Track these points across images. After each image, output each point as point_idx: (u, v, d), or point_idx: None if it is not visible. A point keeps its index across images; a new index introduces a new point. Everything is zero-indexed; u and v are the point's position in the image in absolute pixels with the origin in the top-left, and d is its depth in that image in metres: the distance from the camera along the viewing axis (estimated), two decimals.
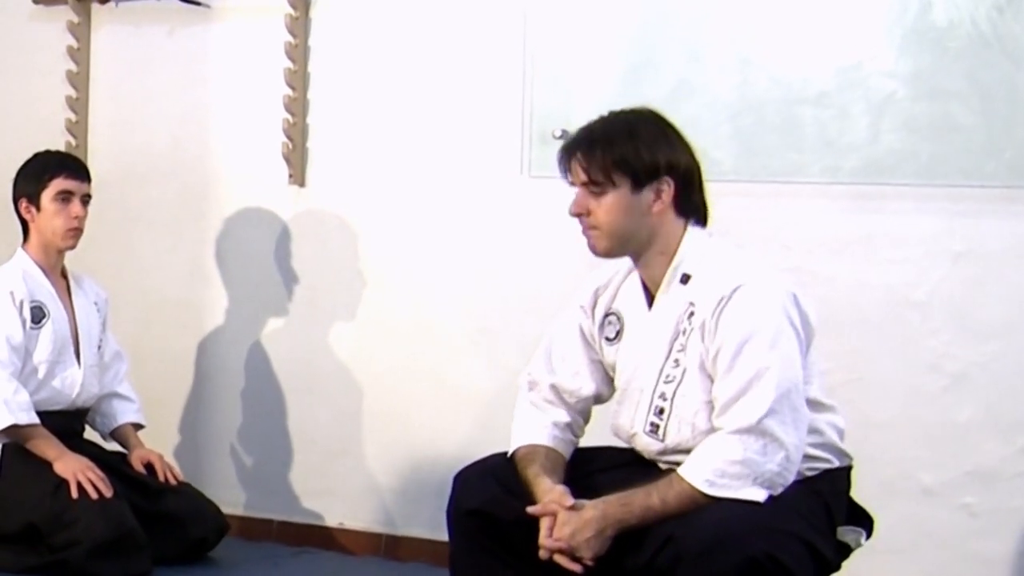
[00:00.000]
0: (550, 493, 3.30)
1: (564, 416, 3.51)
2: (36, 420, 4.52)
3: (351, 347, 5.19)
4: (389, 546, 5.10)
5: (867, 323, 4.30)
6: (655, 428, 3.33)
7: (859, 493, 3.39)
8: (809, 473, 3.26)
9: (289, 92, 5.15)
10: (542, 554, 3.23)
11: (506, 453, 3.50)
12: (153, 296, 5.46)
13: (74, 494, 4.39)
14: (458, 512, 3.45)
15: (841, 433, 3.38)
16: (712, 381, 3.23)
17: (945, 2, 4.32)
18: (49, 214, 4.65)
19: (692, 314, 3.27)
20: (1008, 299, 4.26)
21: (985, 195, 4.28)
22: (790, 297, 3.25)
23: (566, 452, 3.50)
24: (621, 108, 3.41)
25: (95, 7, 5.44)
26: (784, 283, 3.29)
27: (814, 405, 3.26)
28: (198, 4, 5.27)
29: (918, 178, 4.30)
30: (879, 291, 4.28)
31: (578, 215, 3.34)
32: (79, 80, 5.49)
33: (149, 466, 4.71)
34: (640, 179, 3.28)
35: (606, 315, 3.49)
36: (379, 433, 5.16)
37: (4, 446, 4.54)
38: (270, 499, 5.31)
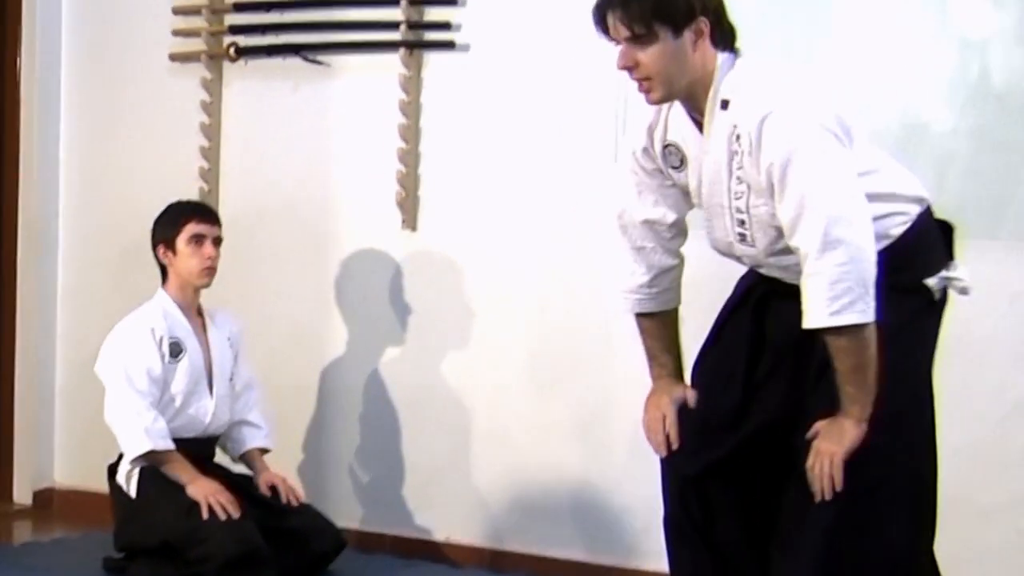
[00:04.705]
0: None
1: (662, 260, 3.60)
2: (172, 446, 4.67)
3: (459, 374, 5.33)
4: (494, 559, 5.23)
5: None
6: (743, 237, 3.43)
7: None
8: (896, 231, 3.38)
9: (402, 145, 5.29)
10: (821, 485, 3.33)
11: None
12: (280, 328, 5.58)
13: (204, 515, 4.55)
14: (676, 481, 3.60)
15: (907, 182, 3.46)
16: (771, 195, 3.30)
17: (1002, 67, 4.50)
18: (184, 256, 4.80)
19: (738, 136, 3.31)
20: None
21: None
22: (816, 110, 3.28)
23: (668, 303, 3.66)
24: None
25: (226, 64, 5.61)
26: (808, 100, 3.32)
27: (871, 197, 3.30)
28: (319, 63, 5.43)
29: (981, 229, 4.33)
30: (946, 325, 4.41)
31: (626, 68, 3.34)
32: (211, 131, 5.64)
33: (274, 488, 4.85)
34: (679, 25, 3.29)
35: (665, 147, 3.50)
36: (485, 454, 5.30)
37: (142, 470, 4.69)
38: (384, 514, 5.45)
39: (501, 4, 5.23)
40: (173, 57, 5.73)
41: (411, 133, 5.33)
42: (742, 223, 3.42)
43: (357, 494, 5.56)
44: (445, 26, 5.27)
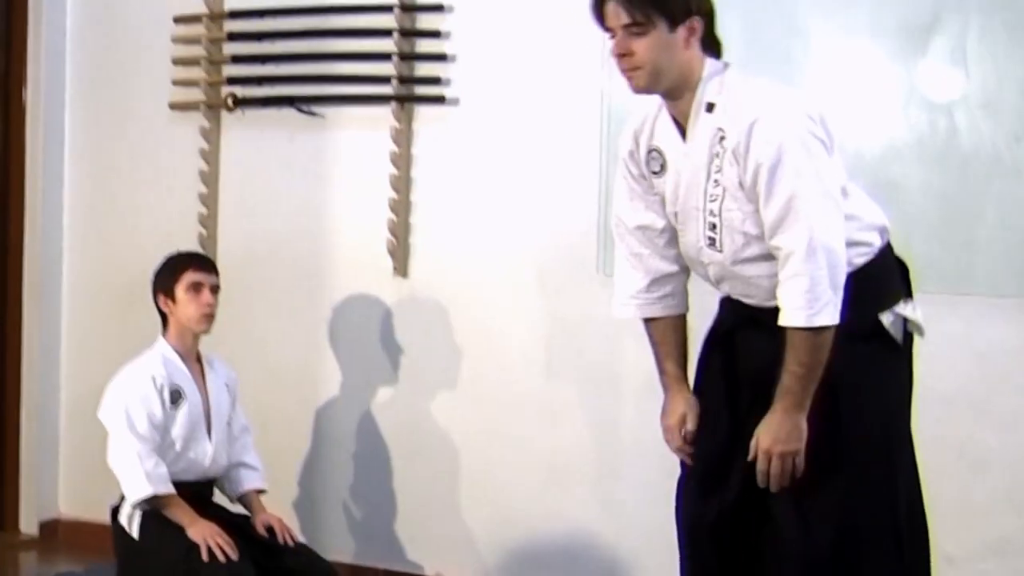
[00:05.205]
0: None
1: (659, 265, 3.69)
2: (172, 490, 4.65)
3: (449, 414, 5.44)
4: None
5: None
6: (712, 241, 3.50)
7: None
8: (858, 260, 3.46)
9: (394, 195, 5.41)
10: (760, 480, 3.44)
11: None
12: (275, 369, 5.67)
13: (204, 557, 4.51)
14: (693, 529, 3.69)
15: (872, 209, 3.56)
16: (750, 198, 3.39)
17: (969, 130, 4.57)
18: (183, 303, 4.78)
19: (723, 138, 3.40)
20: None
21: (1004, 303, 4.53)
22: (804, 116, 3.36)
23: (671, 309, 3.74)
24: None
25: (224, 114, 5.71)
26: (797, 106, 3.39)
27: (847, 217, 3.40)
28: (314, 115, 5.55)
29: (947, 286, 4.52)
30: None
31: (620, 55, 3.42)
32: (210, 178, 5.75)
33: (270, 528, 4.81)
34: (675, 19, 3.38)
35: (649, 151, 3.59)
36: (474, 491, 5.41)
37: (144, 513, 4.67)
38: (377, 549, 5.56)
39: (489, 60, 5.32)
40: (173, 106, 5.84)
41: (402, 183, 5.44)
42: (713, 227, 3.49)
43: (350, 529, 5.65)
44: (435, 81, 5.38)
